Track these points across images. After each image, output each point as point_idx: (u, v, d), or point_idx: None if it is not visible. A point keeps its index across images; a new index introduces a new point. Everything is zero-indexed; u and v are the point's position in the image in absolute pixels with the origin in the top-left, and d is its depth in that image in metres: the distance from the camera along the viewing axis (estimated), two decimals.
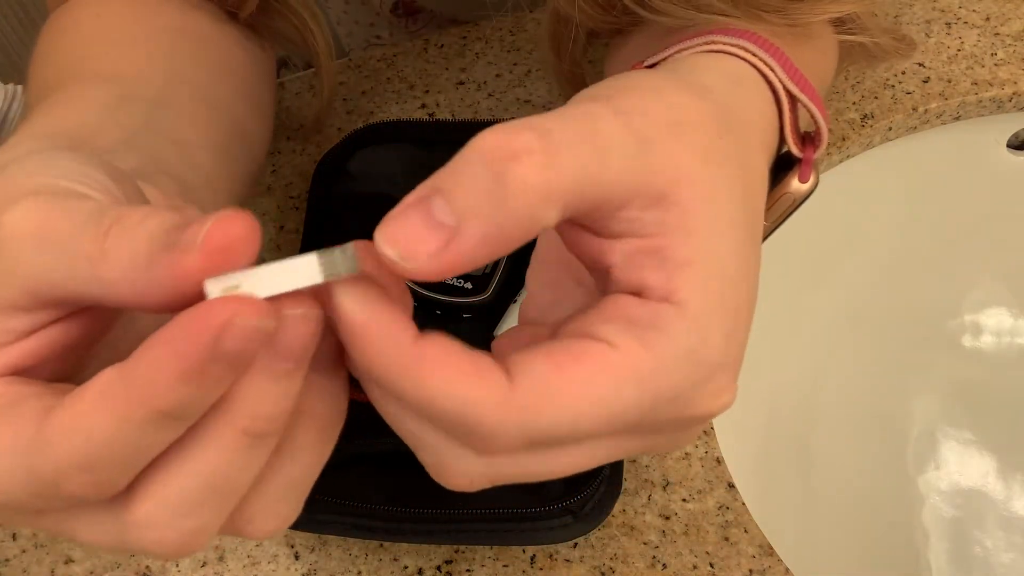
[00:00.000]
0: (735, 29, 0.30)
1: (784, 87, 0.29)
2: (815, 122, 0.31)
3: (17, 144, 0.27)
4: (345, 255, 0.20)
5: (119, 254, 0.20)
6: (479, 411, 0.20)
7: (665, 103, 0.23)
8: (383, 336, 0.20)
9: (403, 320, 0.20)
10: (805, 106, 0.30)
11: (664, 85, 0.24)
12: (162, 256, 0.19)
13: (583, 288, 0.27)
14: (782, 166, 0.31)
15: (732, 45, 0.29)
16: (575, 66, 0.45)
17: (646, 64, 0.31)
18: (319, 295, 0.20)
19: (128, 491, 0.21)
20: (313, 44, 0.47)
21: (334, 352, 0.22)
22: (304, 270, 0.20)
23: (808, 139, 0.31)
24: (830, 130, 0.55)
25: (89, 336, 0.23)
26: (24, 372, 0.22)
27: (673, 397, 0.21)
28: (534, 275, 0.28)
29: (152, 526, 0.21)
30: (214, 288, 0.19)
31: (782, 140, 0.30)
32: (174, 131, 0.34)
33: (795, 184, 0.31)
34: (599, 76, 0.52)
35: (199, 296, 0.19)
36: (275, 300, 0.20)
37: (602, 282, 0.23)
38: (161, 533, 0.21)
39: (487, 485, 0.23)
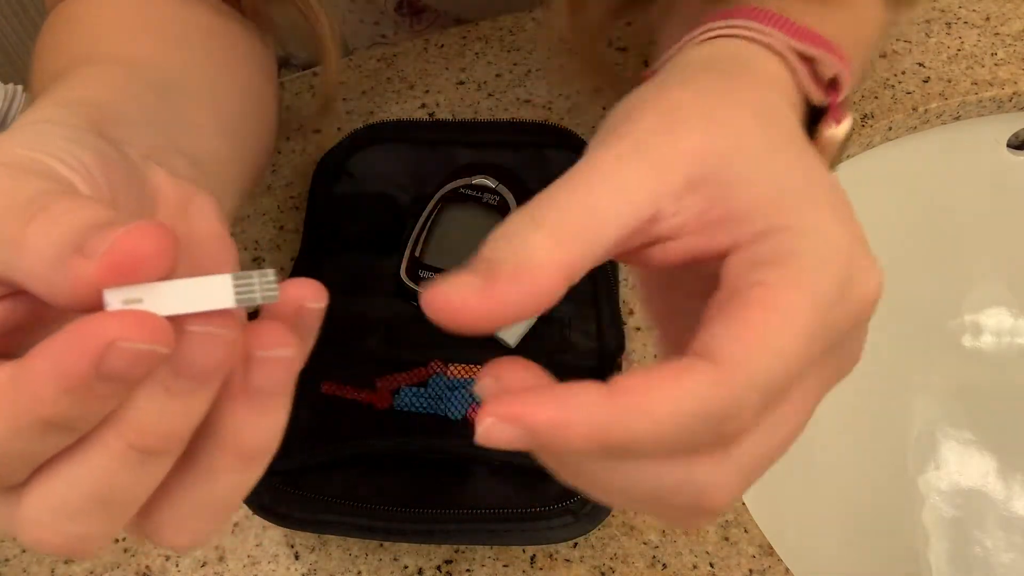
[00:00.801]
0: (726, 10, 0.31)
1: (789, 47, 0.30)
2: (835, 69, 0.31)
3: (36, 109, 0.27)
4: (264, 280, 0.19)
5: (35, 245, 0.19)
6: (710, 395, 0.20)
7: (659, 117, 0.24)
8: (582, 413, 0.20)
9: (568, 386, 0.20)
10: (814, 57, 0.30)
11: (658, 95, 0.26)
12: (68, 258, 0.18)
13: (701, 298, 0.26)
14: (816, 120, 0.32)
15: (726, 27, 0.30)
16: (593, 42, 0.46)
17: (654, 68, 0.32)
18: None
19: (24, 484, 0.21)
20: (319, 28, 0.46)
21: (273, 385, 0.21)
22: (216, 291, 0.19)
23: (832, 84, 0.32)
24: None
25: (34, 316, 0.22)
26: None
27: (838, 293, 0.22)
28: (651, 314, 0.29)
29: (35, 525, 0.21)
30: (113, 300, 0.18)
31: (810, 99, 0.31)
32: (186, 113, 0.34)
33: (831, 130, 0.31)
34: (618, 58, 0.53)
35: (101, 304, 0.18)
36: (182, 316, 0.18)
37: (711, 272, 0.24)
38: (43, 534, 0.21)
39: (744, 490, 0.23)
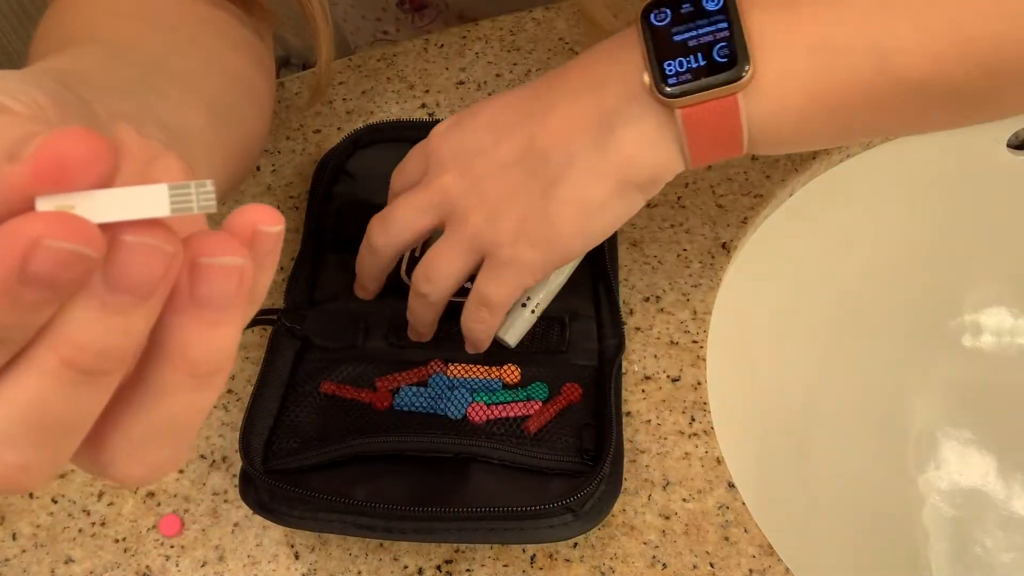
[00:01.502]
0: None
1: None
2: None
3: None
4: (201, 189, 0.18)
5: None
6: None
7: None
8: None
9: None
10: None
11: None
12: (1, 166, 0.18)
13: None
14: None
15: None
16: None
17: None
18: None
19: None
20: (308, 8, 0.45)
21: (220, 294, 0.20)
22: (151, 199, 0.18)
23: None
24: None
25: None
26: None
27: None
28: None
29: None
30: (46, 206, 0.18)
31: None
32: (167, 90, 0.34)
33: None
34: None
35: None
36: (116, 226, 0.18)
37: None
38: None
39: None
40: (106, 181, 0.18)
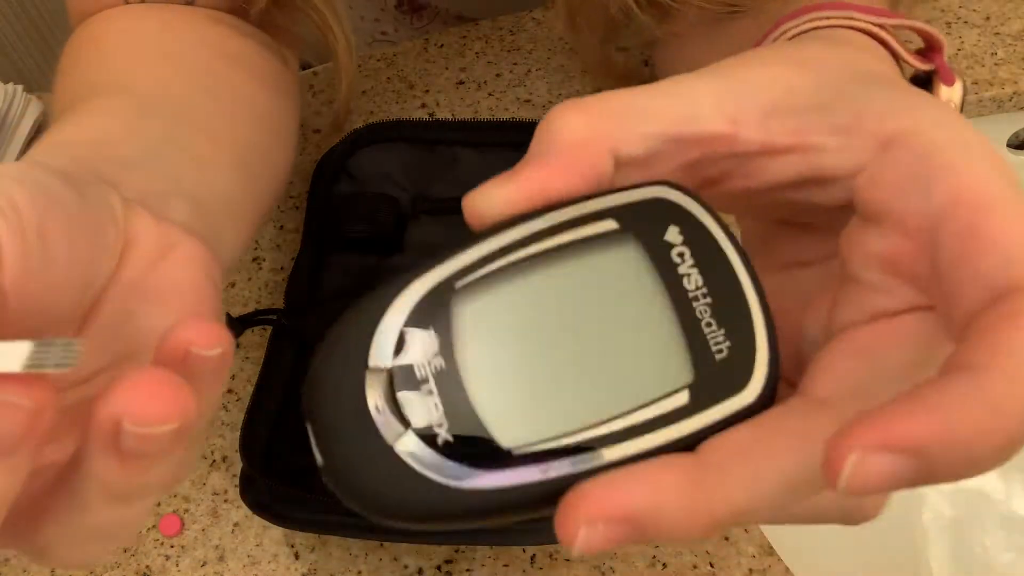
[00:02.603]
0: (795, 11, 0.30)
1: (872, 23, 0.28)
2: (922, 36, 0.30)
3: (31, 154, 0.27)
4: (66, 349, 0.18)
5: None
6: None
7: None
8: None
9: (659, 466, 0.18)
10: (896, 26, 0.29)
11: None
12: None
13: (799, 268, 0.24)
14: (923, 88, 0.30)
15: (805, 22, 0.29)
16: (601, 50, 0.47)
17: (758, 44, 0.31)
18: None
19: None
20: (333, 43, 0.45)
21: (151, 452, 0.19)
22: (7, 355, 0.17)
23: (927, 51, 0.30)
24: None
25: None
26: None
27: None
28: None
29: None
30: None
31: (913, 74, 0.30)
32: (193, 147, 0.33)
33: (945, 92, 0.29)
34: (629, 63, 0.54)
35: None
36: None
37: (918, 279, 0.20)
38: None
39: None
40: None
